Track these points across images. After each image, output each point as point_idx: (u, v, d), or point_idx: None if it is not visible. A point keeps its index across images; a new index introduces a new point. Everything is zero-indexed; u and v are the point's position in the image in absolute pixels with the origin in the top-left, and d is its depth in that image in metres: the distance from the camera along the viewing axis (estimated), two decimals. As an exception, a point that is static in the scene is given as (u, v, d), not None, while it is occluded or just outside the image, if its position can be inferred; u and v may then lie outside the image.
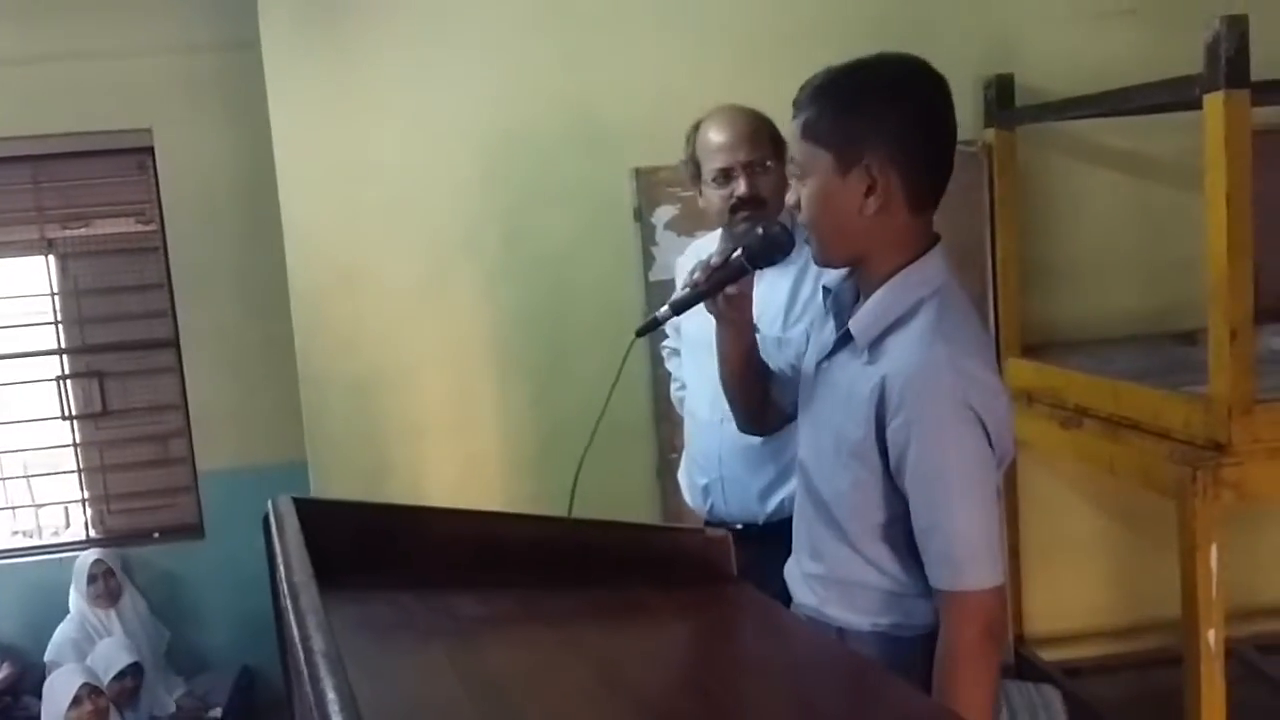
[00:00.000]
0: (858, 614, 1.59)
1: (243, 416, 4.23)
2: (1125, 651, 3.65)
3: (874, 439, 1.51)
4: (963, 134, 3.43)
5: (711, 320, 1.96)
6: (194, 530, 4.36)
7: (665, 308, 1.73)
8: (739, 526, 2.37)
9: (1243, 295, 2.49)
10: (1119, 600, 3.66)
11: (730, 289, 1.69)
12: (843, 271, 1.65)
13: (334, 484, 3.31)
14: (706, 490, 2.42)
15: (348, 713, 0.64)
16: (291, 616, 0.81)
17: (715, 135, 2.34)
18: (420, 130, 3.28)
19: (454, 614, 1.09)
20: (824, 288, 1.70)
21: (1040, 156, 3.53)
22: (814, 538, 1.65)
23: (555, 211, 3.32)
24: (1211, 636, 2.60)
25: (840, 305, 1.65)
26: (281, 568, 0.91)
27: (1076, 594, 3.64)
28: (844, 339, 1.59)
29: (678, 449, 3.32)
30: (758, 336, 2.26)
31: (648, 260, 3.31)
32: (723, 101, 2.49)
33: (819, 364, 1.66)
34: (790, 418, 1.88)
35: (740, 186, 2.29)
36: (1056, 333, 3.58)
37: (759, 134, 2.32)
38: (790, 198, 1.61)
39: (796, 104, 1.54)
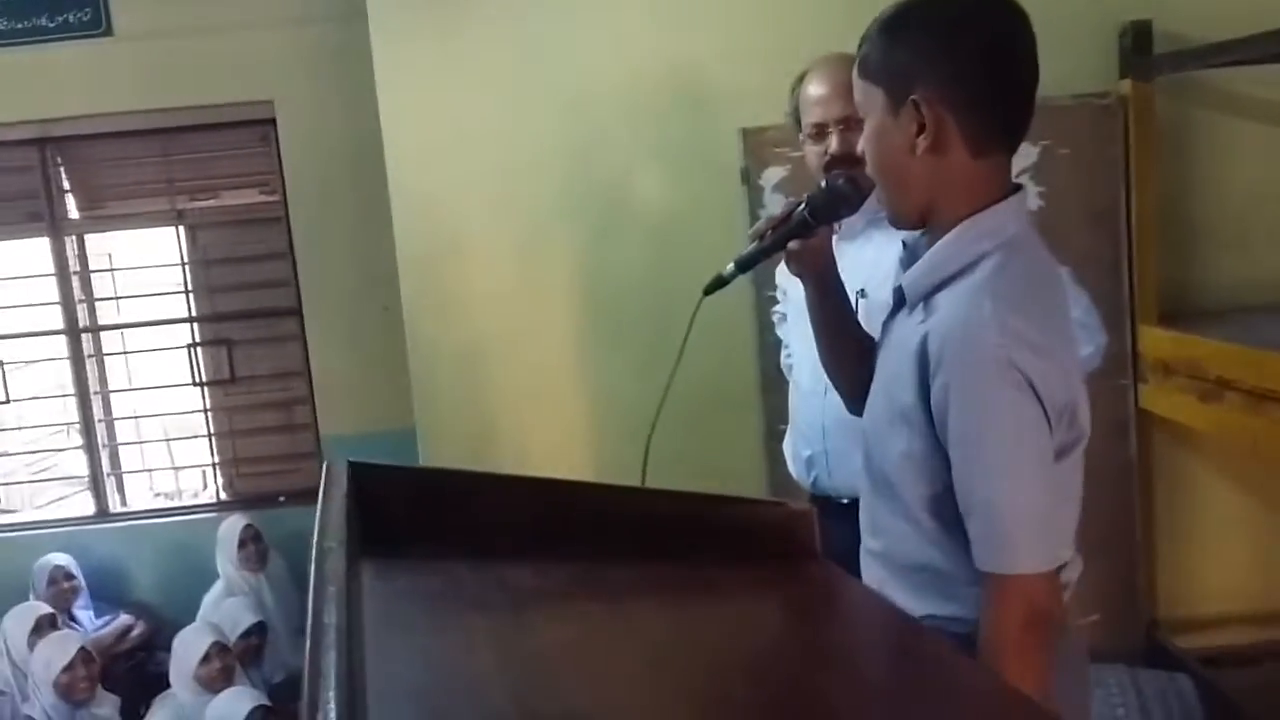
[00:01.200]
0: (915, 599, 1.46)
1: (361, 383, 4.31)
2: (1265, 640, 3.42)
3: (920, 401, 1.39)
4: (1095, 85, 3.30)
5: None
6: (317, 495, 4.45)
7: (731, 265, 1.67)
8: (844, 501, 2.28)
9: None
10: (1259, 585, 3.43)
11: (794, 244, 1.61)
12: (895, 235, 1.56)
13: (441, 450, 3.33)
14: (810, 462, 2.34)
15: (339, 691, 0.59)
16: (311, 582, 0.77)
17: (813, 88, 2.23)
18: (523, 97, 3.25)
19: (505, 585, 1.04)
20: (903, 243, 1.56)
21: (1179, 109, 3.30)
22: (874, 511, 1.54)
23: (660, 175, 3.26)
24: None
25: (914, 260, 1.51)
26: (315, 533, 0.88)
27: (1213, 578, 3.42)
28: (900, 296, 1.48)
29: (786, 420, 3.24)
30: (865, 302, 2.17)
31: (756, 223, 3.21)
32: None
33: (885, 325, 1.55)
34: None
35: (833, 143, 2.18)
36: (1196, 300, 3.35)
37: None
38: (860, 145, 1.49)
39: (860, 42, 1.44)
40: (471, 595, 1.00)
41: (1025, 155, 3.07)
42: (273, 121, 4.25)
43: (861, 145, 1.49)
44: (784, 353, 2.59)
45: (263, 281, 4.46)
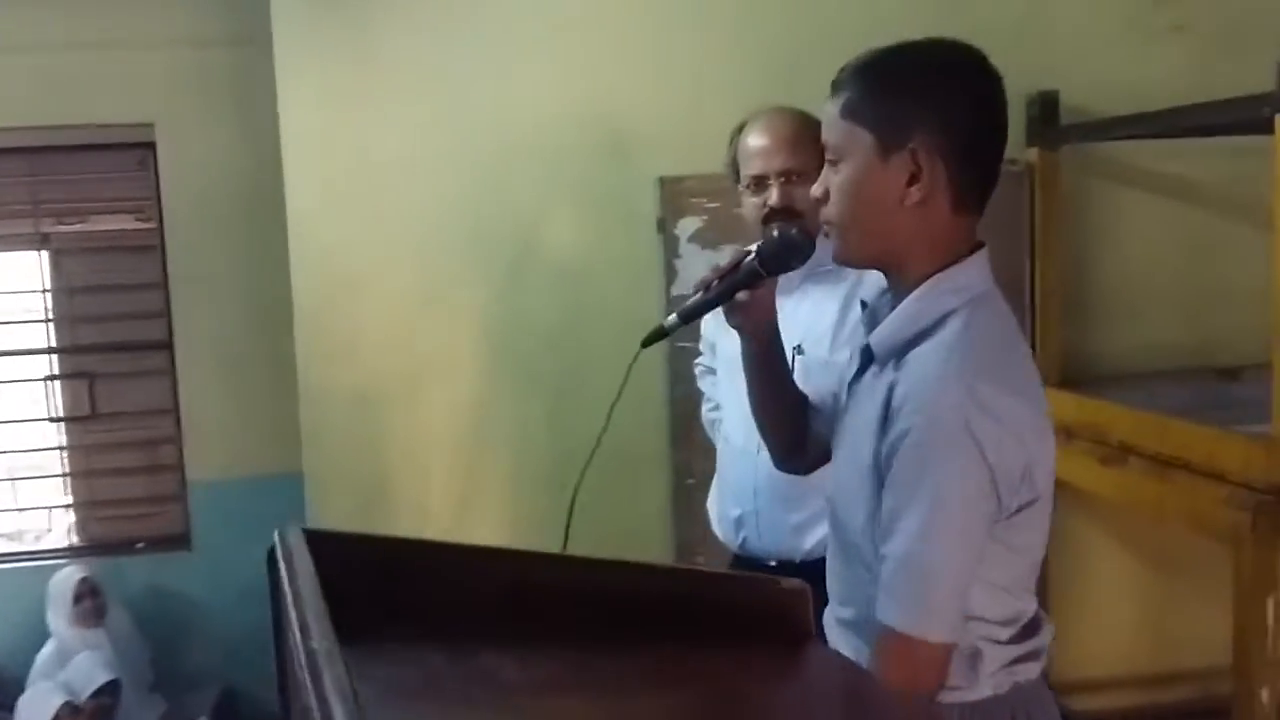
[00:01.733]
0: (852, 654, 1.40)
1: (236, 425, 4.06)
2: (1153, 702, 3.48)
3: (875, 457, 1.34)
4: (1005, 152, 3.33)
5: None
6: (180, 541, 4.19)
7: (673, 317, 1.58)
8: (773, 564, 2.21)
9: (1312, 330, 2.33)
10: (1151, 647, 3.50)
11: (742, 295, 1.53)
12: (882, 285, 1.49)
13: (331, 499, 3.14)
14: (739, 523, 2.25)
15: None
16: (313, 697, 0.64)
17: (754, 139, 2.19)
18: (434, 133, 3.12)
19: (489, 680, 0.92)
20: (861, 302, 1.54)
21: (1081, 179, 3.38)
22: (844, 579, 1.48)
23: (573, 220, 3.17)
24: (1265, 695, 2.43)
25: (876, 321, 1.45)
26: (295, 629, 0.74)
27: (1106, 640, 3.47)
28: (868, 355, 1.43)
29: (695, 475, 3.16)
30: (801, 359, 2.12)
31: (670, 274, 3.15)
32: (752, 108, 2.33)
33: (850, 386, 1.49)
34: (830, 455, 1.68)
35: (773, 196, 2.13)
36: (1096, 365, 3.42)
37: (801, 140, 2.15)
38: (817, 189, 1.43)
39: (835, 84, 1.40)
40: (456, 692, 0.88)
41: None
42: (152, 146, 4.00)
43: (820, 189, 1.43)
44: (706, 406, 2.52)
45: (132, 313, 4.17)
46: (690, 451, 3.13)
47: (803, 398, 1.69)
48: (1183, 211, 3.43)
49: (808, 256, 1.59)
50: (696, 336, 3.09)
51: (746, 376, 1.69)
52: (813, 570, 2.04)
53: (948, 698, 1.36)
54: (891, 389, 1.33)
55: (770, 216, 2.13)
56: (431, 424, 3.18)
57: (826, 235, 1.51)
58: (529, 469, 3.20)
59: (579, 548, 3.15)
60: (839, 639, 1.49)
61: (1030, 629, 1.41)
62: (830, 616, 1.52)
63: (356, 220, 3.10)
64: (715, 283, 1.54)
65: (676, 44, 3.17)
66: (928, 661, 1.30)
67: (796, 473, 1.79)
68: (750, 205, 2.19)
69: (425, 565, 1.03)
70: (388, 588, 1.00)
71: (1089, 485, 3.09)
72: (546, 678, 0.95)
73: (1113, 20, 3.34)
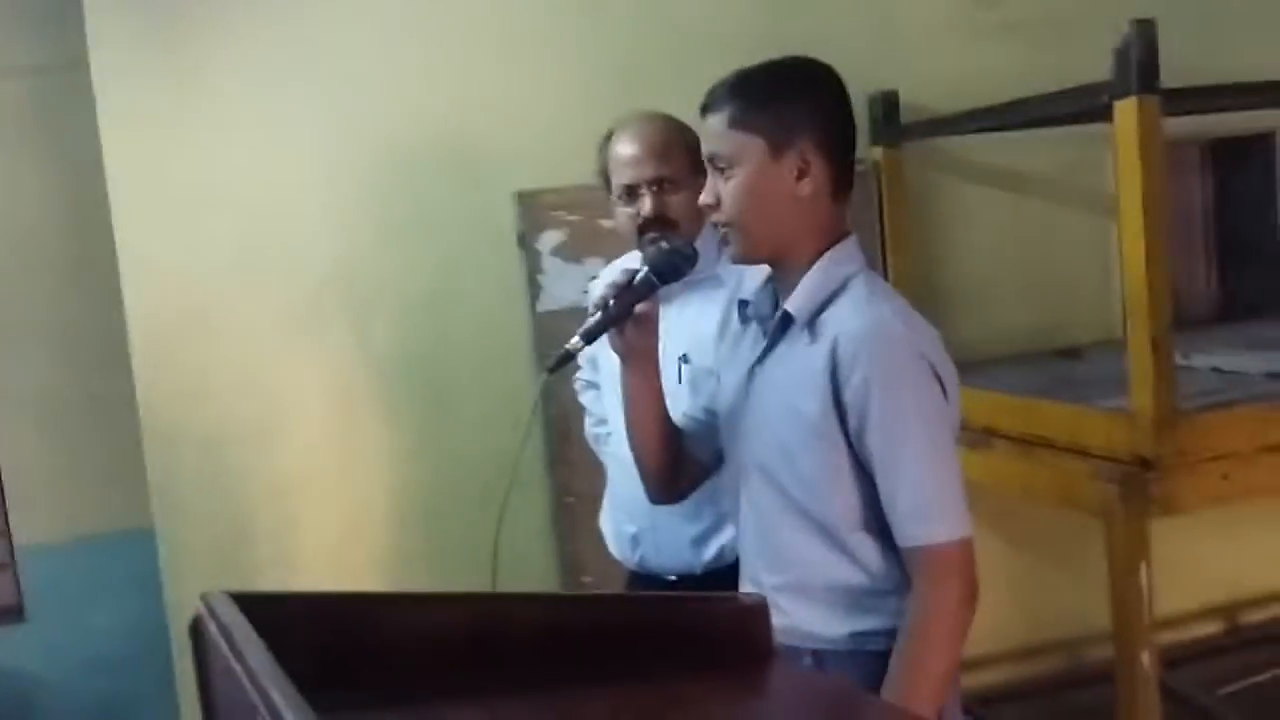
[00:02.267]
0: (834, 621, 1.56)
1: (67, 481, 3.76)
2: (1030, 675, 3.60)
3: (833, 409, 1.51)
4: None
5: None
6: (13, 613, 3.85)
7: (576, 338, 1.63)
8: (673, 578, 2.17)
9: (1162, 305, 2.44)
10: (1022, 622, 3.61)
11: (641, 306, 1.63)
12: (758, 282, 1.69)
13: (189, 553, 2.92)
14: (635, 539, 2.20)
15: None
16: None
17: (622, 148, 2.15)
18: (276, 154, 2.94)
19: (459, 735, 0.84)
20: (740, 300, 1.71)
21: (925, 175, 3.48)
22: (776, 546, 1.62)
23: (430, 240, 3.04)
24: (1146, 658, 2.53)
25: (760, 313, 1.67)
26: (263, 712, 0.65)
27: (981, 619, 3.56)
28: (780, 329, 1.60)
29: (575, 493, 3.09)
30: (688, 368, 2.09)
31: (534, 290, 3.07)
32: (604, 116, 2.30)
33: (751, 370, 1.64)
34: (708, 473, 1.81)
35: (645, 205, 2.10)
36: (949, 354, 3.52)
37: (672, 147, 2.13)
38: (706, 197, 1.60)
39: (711, 102, 1.59)
40: (432, 756, 0.79)
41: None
42: (-53, 184, 3.68)
43: (709, 196, 1.59)
44: (589, 421, 2.46)
45: (-65, 371, 3.83)
46: (568, 470, 3.07)
47: (673, 424, 1.78)
48: (1017, 201, 3.57)
49: (694, 262, 1.71)
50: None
51: (627, 409, 1.74)
52: (715, 581, 2.04)
53: (883, 644, 1.53)
54: (834, 346, 1.50)
55: (645, 226, 2.10)
56: (292, 466, 3.00)
57: (725, 242, 1.65)
58: (401, 505, 3.06)
59: (461, 577, 3.04)
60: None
61: None
62: (755, 587, 1.63)
63: (196, 252, 2.90)
64: (613, 301, 1.62)
65: (521, 53, 3.09)
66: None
67: (668, 503, 1.87)
68: (623, 215, 2.15)
69: (369, 620, 0.94)
70: (333, 650, 0.90)
71: (957, 470, 3.17)
72: (520, 727, 0.88)
73: (946, 20, 3.45)
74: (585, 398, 2.45)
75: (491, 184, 3.05)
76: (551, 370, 1.67)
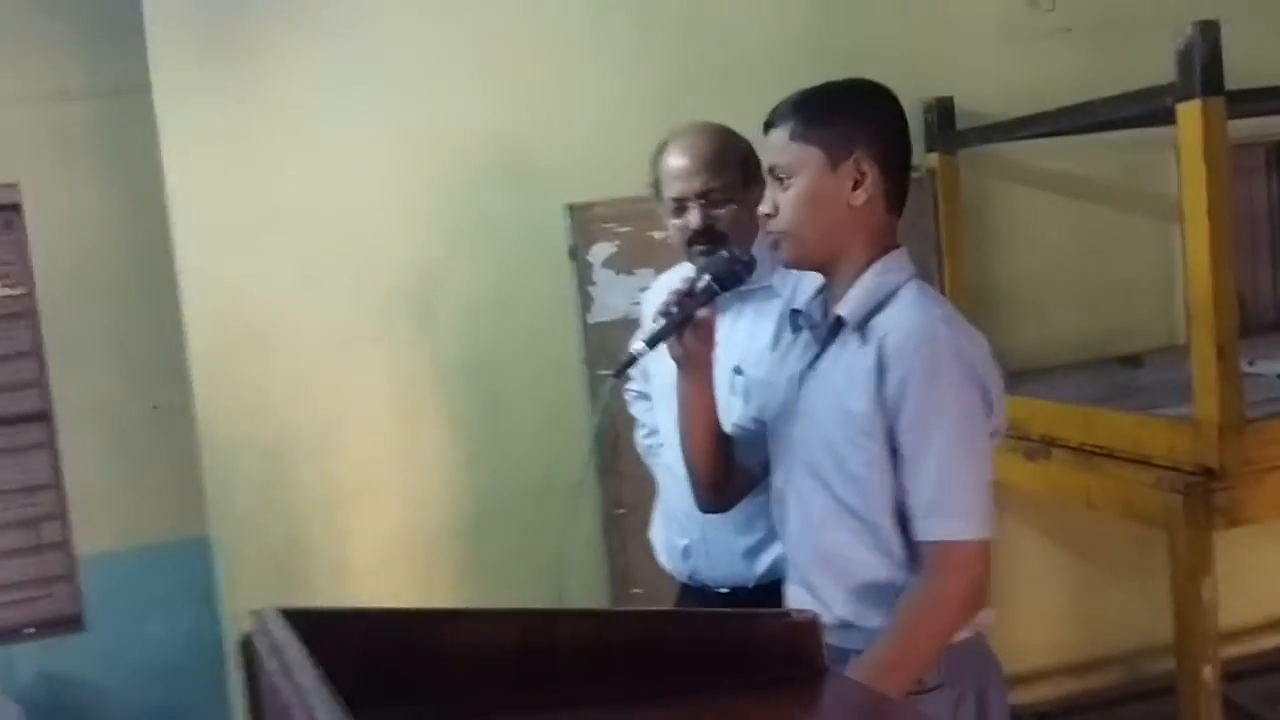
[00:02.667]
0: (866, 613, 1.60)
1: (127, 494, 3.85)
2: (1086, 689, 3.53)
3: (877, 406, 1.56)
4: (906, 159, 3.37)
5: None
6: (73, 622, 3.92)
7: (639, 343, 1.67)
8: (725, 591, 2.15)
9: (1228, 311, 2.39)
10: (1081, 635, 3.54)
11: (702, 311, 1.68)
12: (810, 291, 1.75)
13: (245, 563, 2.96)
14: (687, 551, 2.18)
15: None
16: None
17: (672, 160, 2.13)
18: (333, 172, 2.98)
19: (515, 754, 0.83)
20: (793, 310, 1.77)
21: (977, 181, 3.43)
22: (822, 545, 1.65)
23: (484, 254, 3.06)
24: (1209, 672, 2.46)
25: (812, 321, 1.72)
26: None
27: (1037, 632, 3.50)
28: (832, 332, 1.65)
29: (625, 504, 3.09)
30: (742, 379, 2.07)
31: (585, 301, 3.08)
32: (655, 128, 2.29)
33: (802, 376, 1.70)
34: (755, 481, 1.83)
35: (693, 219, 2.08)
36: (1005, 362, 3.44)
37: (722, 159, 2.10)
38: (765, 207, 1.66)
39: (775, 118, 1.66)
40: (486, 775, 0.79)
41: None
42: (18, 206, 3.77)
43: (768, 206, 1.66)
44: (640, 433, 2.45)
45: (5, 384, 3.91)
46: (618, 481, 3.06)
47: (725, 434, 1.82)
48: (1076, 207, 3.51)
49: (753, 270, 1.73)
50: (614, 365, 3.04)
51: (681, 417, 1.78)
52: (768, 594, 2.01)
53: None
54: (880, 345, 1.56)
55: (693, 239, 2.08)
56: (347, 477, 3.03)
57: (776, 247, 1.70)
58: (454, 516, 3.08)
59: (513, 587, 3.05)
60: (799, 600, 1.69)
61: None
62: (802, 594, 1.69)
63: (254, 269, 2.95)
64: (675, 308, 1.66)
65: (575, 68, 3.11)
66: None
67: (717, 511, 1.90)
68: (673, 227, 2.14)
69: (419, 637, 0.93)
70: (382, 667, 0.90)
71: (1015, 480, 3.12)
72: (577, 747, 0.87)
73: (1000, 26, 3.41)
74: (637, 409, 2.44)
75: (543, 196, 3.06)
76: (617, 374, 1.73)
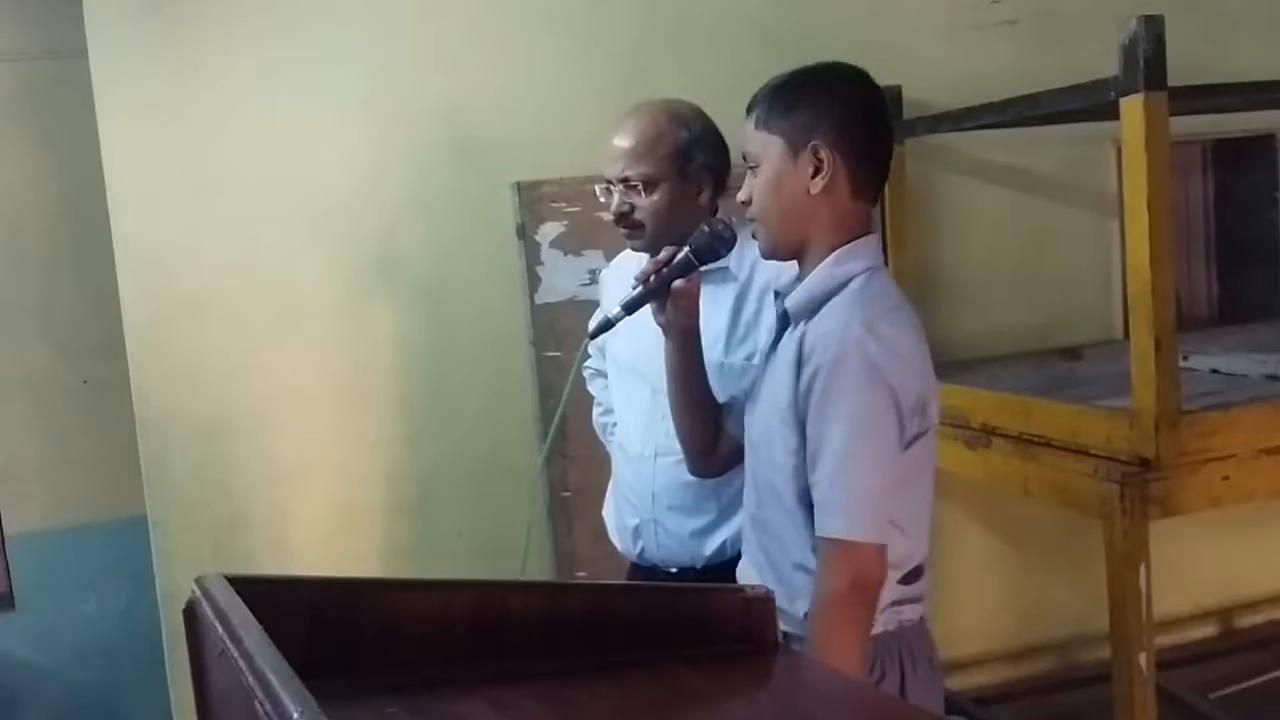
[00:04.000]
0: (797, 599, 1.59)
1: (57, 470, 3.75)
2: (1023, 675, 3.59)
3: (793, 396, 1.59)
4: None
5: (644, 343, 1.93)
6: (2, 600, 3.82)
7: (618, 308, 1.71)
8: (672, 570, 2.15)
9: (1166, 304, 2.42)
10: (1015, 623, 3.60)
11: (678, 282, 1.71)
12: (793, 274, 1.73)
13: (182, 540, 2.90)
14: (637, 532, 2.18)
15: None
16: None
17: (611, 138, 2.10)
18: (275, 142, 2.92)
19: (466, 726, 0.81)
20: (775, 292, 1.76)
21: (923, 171, 3.46)
22: (763, 521, 1.69)
23: (429, 229, 3.02)
24: (1144, 659, 2.51)
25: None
26: (261, 699, 0.63)
27: (973, 619, 3.55)
28: (783, 323, 1.69)
29: (571, 487, 3.08)
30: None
31: (533, 281, 3.05)
32: (607, 109, 2.27)
33: (766, 359, 1.73)
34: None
35: (612, 202, 2.06)
36: (945, 351, 3.50)
37: (647, 147, 2.04)
38: (743, 194, 1.69)
39: (750, 107, 1.69)
40: (439, 746, 0.77)
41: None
42: (-60, 171, 3.66)
43: (745, 194, 1.68)
44: (596, 411, 2.44)
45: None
46: (566, 463, 3.05)
47: (714, 398, 1.87)
48: (1018, 200, 3.56)
49: (732, 246, 1.77)
50: (562, 346, 3.03)
51: (670, 372, 1.81)
52: (715, 576, 2.02)
53: None
54: (802, 339, 1.60)
55: (617, 221, 2.07)
56: (286, 454, 2.98)
57: (755, 237, 1.71)
58: (396, 495, 3.04)
59: (455, 567, 3.02)
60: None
61: (917, 573, 1.66)
62: (748, 570, 1.74)
63: (191, 239, 2.88)
64: (653, 276, 1.71)
65: (522, 43, 3.07)
66: (868, 561, 1.53)
67: (709, 475, 1.94)
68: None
69: (368, 605, 0.92)
70: (330, 635, 0.88)
71: (955, 468, 3.15)
72: (527, 717, 0.85)
73: (948, 16, 3.43)
74: (594, 386, 2.42)
75: (491, 173, 3.03)
76: (593, 335, 1.79)
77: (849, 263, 1.63)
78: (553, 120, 3.03)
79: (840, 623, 1.52)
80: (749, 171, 1.69)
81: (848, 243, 1.64)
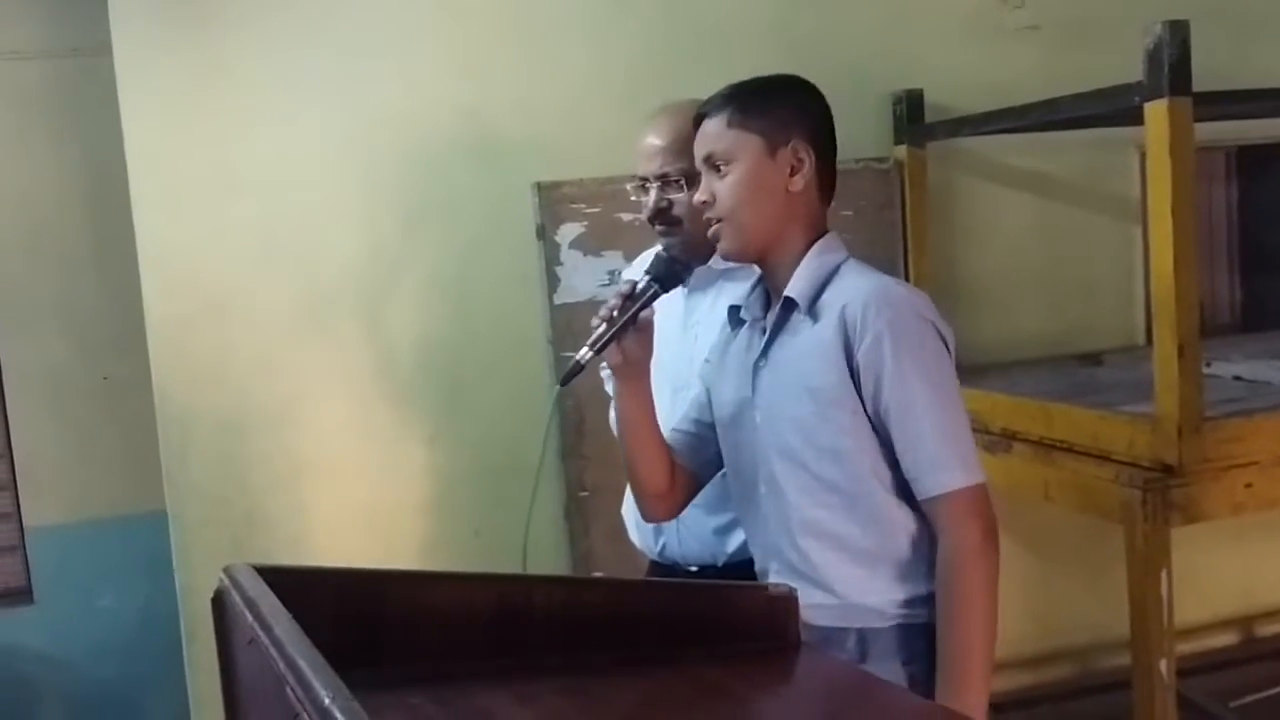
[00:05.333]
0: (880, 588, 1.59)
1: (78, 464, 3.77)
2: (1042, 681, 3.57)
3: (848, 375, 1.58)
4: (874, 151, 3.38)
5: (665, 341, 1.88)
6: (21, 595, 3.85)
7: (585, 350, 1.67)
8: (694, 569, 2.15)
9: (1189, 309, 2.41)
10: (1034, 630, 3.58)
11: (645, 313, 1.69)
12: (745, 288, 1.78)
13: (201, 535, 2.91)
14: (658, 529, 2.17)
15: None
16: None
17: (643, 137, 2.10)
18: (298, 141, 2.93)
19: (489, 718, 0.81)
20: (731, 306, 1.80)
21: (944, 175, 3.45)
22: (809, 526, 1.64)
23: (449, 230, 3.03)
24: (1164, 666, 2.50)
25: (754, 314, 1.75)
26: (292, 684, 0.63)
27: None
28: (781, 318, 1.67)
29: (588, 487, 3.08)
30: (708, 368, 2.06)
31: (552, 282, 3.05)
32: (627, 109, 2.27)
33: (755, 366, 1.70)
34: (699, 485, 1.86)
35: (649, 200, 2.06)
36: (966, 355, 3.47)
37: (687, 143, 2.05)
38: (701, 195, 1.69)
39: (709, 109, 1.69)
40: (464, 737, 0.77)
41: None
42: (-36, 168, 3.68)
43: (704, 194, 1.68)
44: (614, 411, 2.43)
45: (-51, 351, 3.83)
46: (581, 463, 3.05)
47: (663, 441, 1.83)
48: (1040, 205, 3.54)
49: (691, 270, 1.77)
50: (581, 346, 3.02)
51: (622, 425, 1.79)
52: (734, 574, 2.01)
53: (919, 617, 1.59)
54: (842, 316, 1.58)
55: (651, 220, 2.07)
56: (306, 451, 2.98)
57: (716, 238, 1.70)
58: (414, 494, 3.05)
59: (473, 563, 3.01)
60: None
61: None
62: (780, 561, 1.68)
63: (214, 238, 2.89)
64: (618, 312, 1.66)
65: (543, 45, 3.07)
66: (989, 501, 1.57)
67: (665, 520, 1.93)
68: (643, 205, 2.12)
69: (397, 599, 0.92)
70: (358, 628, 0.88)
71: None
72: (549, 712, 0.85)
73: (970, 20, 3.42)
74: (610, 386, 2.42)
75: (511, 175, 3.03)
76: (563, 383, 1.72)
77: (830, 254, 1.67)
78: (573, 121, 3.04)
79: (989, 570, 1.54)
80: (710, 172, 1.68)
81: (816, 240, 1.68)
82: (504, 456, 3.03)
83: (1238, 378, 3.01)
